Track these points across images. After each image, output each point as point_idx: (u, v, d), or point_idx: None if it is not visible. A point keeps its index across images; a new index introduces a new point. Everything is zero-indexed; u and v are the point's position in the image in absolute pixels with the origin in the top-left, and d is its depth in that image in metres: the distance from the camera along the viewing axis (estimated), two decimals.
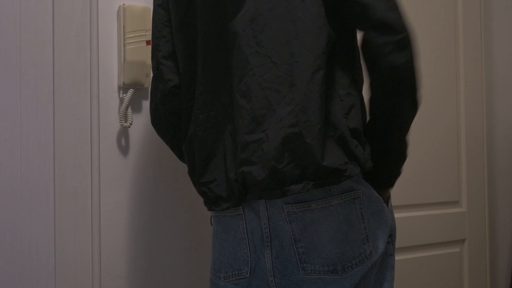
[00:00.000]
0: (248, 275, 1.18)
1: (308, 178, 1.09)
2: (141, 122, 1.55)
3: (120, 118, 1.50)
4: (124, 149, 1.53)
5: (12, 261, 1.36)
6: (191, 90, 1.25)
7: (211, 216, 1.29)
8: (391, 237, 1.20)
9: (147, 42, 1.50)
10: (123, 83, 1.51)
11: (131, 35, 1.50)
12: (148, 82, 1.52)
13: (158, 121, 1.36)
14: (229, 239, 1.21)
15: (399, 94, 1.12)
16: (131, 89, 1.51)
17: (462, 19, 2.24)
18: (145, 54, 1.50)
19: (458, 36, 2.23)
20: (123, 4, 1.51)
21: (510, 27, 2.40)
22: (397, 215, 2.09)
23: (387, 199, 1.24)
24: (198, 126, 1.22)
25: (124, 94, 1.51)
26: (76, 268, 1.43)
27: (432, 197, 2.14)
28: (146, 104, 1.55)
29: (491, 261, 2.30)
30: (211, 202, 1.22)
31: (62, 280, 1.41)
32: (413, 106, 1.15)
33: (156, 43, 1.32)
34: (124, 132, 1.53)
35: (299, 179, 1.09)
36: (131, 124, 1.51)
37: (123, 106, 1.50)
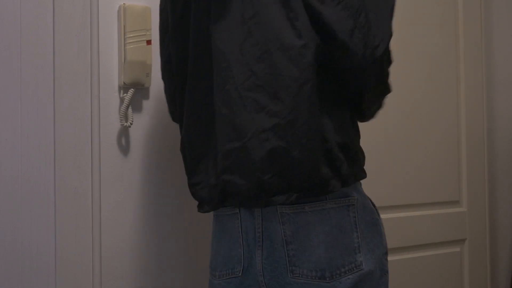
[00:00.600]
0: (240, 274, 1.19)
1: (293, 189, 1.10)
2: (141, 122, 1.55)
3: (121, 118, 1.50)
4: (124, 149, 1.53)
5: (12, 261, 1.36)
6: (183, 93, 1.26)
7: (213, 216, 1.31)
8: (386, 254, 1.21)
9: (148, 42, 1.50)
10: (124, 83, 1.50)
11: (132, 35, 1.50)
12: (148, 82, 1.53)
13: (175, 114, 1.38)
14: (226, 238, 1.23)
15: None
16: (132, 89, 1.51)
17: (463, 19, 2.23)
18: (146, 54, 1.50)
19: (459, 36, 2.23)
20: (124, 3, 1.51)
21: (510, 27, 2.39)
22: (397, 214, 2.10)
23: None
24: (188, 130, 1.24)
25: (125, 94, 1.51)
26: (76, 268, 1.43)
27: (433, 197, 2.14)
28: (146, 104, 1.55)
29: (491, 260, 2.30)
30: (197, 203, 1.25)
31: (62, 281, 1.41)
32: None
33: (160, 47, 1.35)
34: (124, 132, 1.53)
35: (283, 190, 1.10)
36: (131, 124, 1.51)
37: (123, 106, 1.50)
